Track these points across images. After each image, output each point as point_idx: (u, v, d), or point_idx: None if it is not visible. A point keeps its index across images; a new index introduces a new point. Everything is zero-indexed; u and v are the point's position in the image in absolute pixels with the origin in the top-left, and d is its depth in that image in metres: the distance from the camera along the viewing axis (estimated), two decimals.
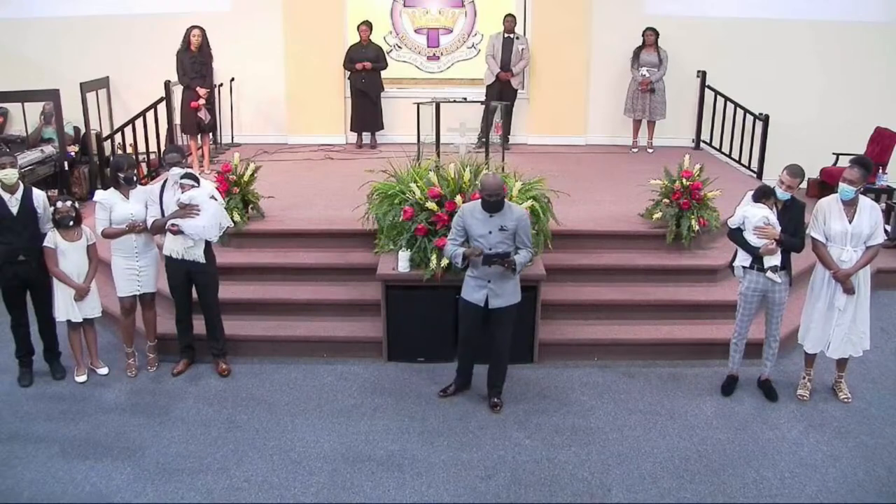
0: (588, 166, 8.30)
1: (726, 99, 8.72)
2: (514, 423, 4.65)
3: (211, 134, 8.18)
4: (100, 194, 4.92)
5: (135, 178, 4.98)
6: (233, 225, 5.54)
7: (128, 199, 4.92)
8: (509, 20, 8.64)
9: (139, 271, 5.01)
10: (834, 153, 8.34)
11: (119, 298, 5.09)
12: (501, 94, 8.63)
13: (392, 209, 5.39)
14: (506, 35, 8.66)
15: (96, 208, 4.88)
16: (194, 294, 5.10)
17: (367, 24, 8.75)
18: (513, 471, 4.20)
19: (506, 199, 4.47)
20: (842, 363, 4.91)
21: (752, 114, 8.44)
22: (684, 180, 5.93)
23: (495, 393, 4.83)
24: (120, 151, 8.29)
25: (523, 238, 4.46)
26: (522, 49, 8.71)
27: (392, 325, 5.31)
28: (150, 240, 5.06)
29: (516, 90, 8.90)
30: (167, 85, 7.99)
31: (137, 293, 5.07)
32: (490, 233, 4.40)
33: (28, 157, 7.78)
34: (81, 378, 5.10)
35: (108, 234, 4.92)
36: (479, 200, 4.47)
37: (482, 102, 7.83)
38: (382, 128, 9.15)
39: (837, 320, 4.72)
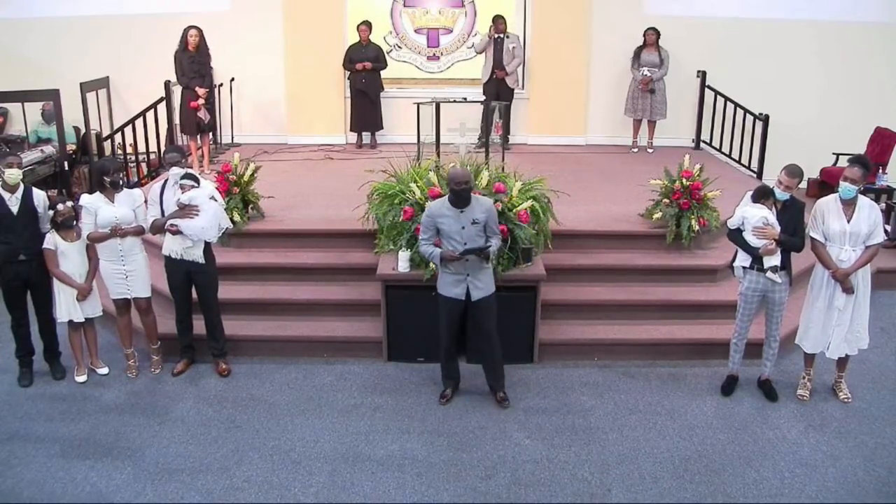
0: (588, 166, 8.30)
1: (726, 99, 8.72)
2: (514, 423, 4.65)
3: (211, 134, 8.19)
4: (85, 198, 4.89)
5: (121, 182, 4.94)
6: (232, 226, 5.54)
7: (113, 202, 4.89)
8: (499, 22, 8.59)
9: (126, 275, 4.99)
10: (834, 153, 8.34)
11: (112, 300, 5.10)
12: (498, 92, 8.63)
13: (392, 209, 5.39)
14: (496, 35, 8.63)
15: (82, 212, 4.86)
16: (194, 294, 5.10)
17: (367, 24, 8.75)
18: (513, 471, 4.20)
19: (472, 192, 4.54)
20: (842, 363, 4.90)
21: (752, 114, 8.44)
22: (684, 180, 5.93)
23: (499, 387, 4.85)
24: (120, 151, 8.30)
25: (493, 227, 4.59)
26: (514, 48, 8.68)
27: (392, 325, 5.31)
28: (136, 244, 5.03)
29: (512, 89, 8.86)
30: (167, 85, 7.99)
31: (128, 296, 5.06)
32: (464, 228, 4.49)
33: (28, 157, 7.78)
34: (81, 378, 5.10)
35: (93, 238, 4.90)
36: (444, 198, 4.58)
37: (482, 102, 7.83)
38: (382, 128, 9.15)
39: (837, 320, 4.71)
